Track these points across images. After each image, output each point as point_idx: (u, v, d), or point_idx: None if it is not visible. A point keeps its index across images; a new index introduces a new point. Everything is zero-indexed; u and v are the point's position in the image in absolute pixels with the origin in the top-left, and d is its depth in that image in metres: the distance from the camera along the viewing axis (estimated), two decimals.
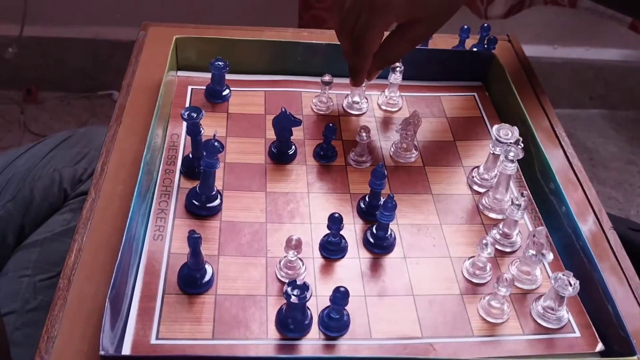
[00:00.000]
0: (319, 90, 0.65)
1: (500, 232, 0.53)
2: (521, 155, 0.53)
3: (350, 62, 0.58)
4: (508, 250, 0.53)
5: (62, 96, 1.59)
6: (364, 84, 0.62)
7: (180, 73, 0.67)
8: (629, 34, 1.53)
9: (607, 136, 1.77)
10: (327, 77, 0.62)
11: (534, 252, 0.48)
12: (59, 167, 0.83)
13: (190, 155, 0.56)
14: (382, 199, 0.52)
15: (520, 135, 0.55)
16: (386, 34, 0.57)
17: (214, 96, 0.64)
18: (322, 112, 0.64)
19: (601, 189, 1.60)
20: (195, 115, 0.53)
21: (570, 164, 0.63)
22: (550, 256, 0.48)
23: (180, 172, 0.56)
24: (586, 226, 0.56)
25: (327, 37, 0.72)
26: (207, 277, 0.47)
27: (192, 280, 0.46)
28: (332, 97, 0.65)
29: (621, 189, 1.63)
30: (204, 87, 0.65)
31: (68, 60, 1.58)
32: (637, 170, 1.69)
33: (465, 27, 0.72)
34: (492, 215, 0.56)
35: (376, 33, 0.54)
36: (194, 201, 0.52)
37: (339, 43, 0.64)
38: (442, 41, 0.75)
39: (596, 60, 1.73)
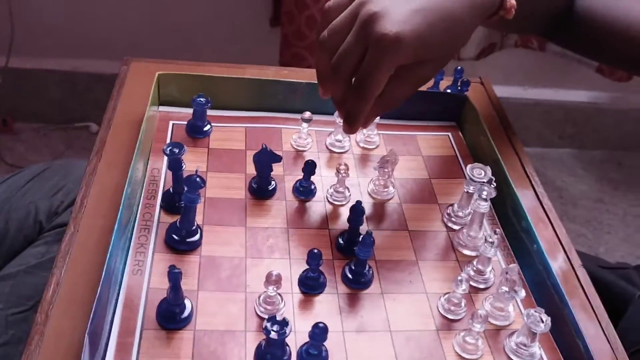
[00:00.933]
0: (299, 127, 0.67)
1: (474, 268, 0.54)
2: (494, 194, 0.55)
3: (347, 108, 0.52)
4: (482, 286, 0.54)
5: (39, 127, 1.58)
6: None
7: (161, 108, 0.68)
8: (596, 77, 1.60)
9: (577, 175, 1.82)
10: (307, 115, 0.64)
11: (507, 289, 0.49)
12: (35, 200, 0.83)
13: (171, 190, 0.56)
14: (361, 235, 0.53)
15: (492, 174, 0.57)
16: None
17: (196, 131, 0.65)
18: (301, 149, 0.66)
19: (571, 227, 1.64)
20: (177, 150, 0.53)
21: (541, 203, 0.65)
22: (522, 293, 0.49)
23: (161, 206, 0.56)
24: (557, 264, 0.58)
25: (307, 75, 0.74)
26: (186, 313, 0.47)
27: (171, 316, 0.46)
28: (311, 134, 0.67)
29: (590, 226, 1.68)
30: (185, 123, 0.66)
31: (46, 92, 1.58)
32: (605, 209, 1.74)
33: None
34: (466, 252, 0.57)
35: (383, 74, 0.49)
36: (173, 236, 0.53)
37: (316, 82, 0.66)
38: None
39: (565, 101, 1.79)
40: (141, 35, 1.50)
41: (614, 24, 0.67)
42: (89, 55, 1.54)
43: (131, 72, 0.74)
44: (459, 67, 0.75)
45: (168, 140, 0.64)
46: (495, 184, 0.55)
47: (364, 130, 0.68)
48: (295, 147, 0.66)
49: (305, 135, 0.66)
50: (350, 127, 0.52)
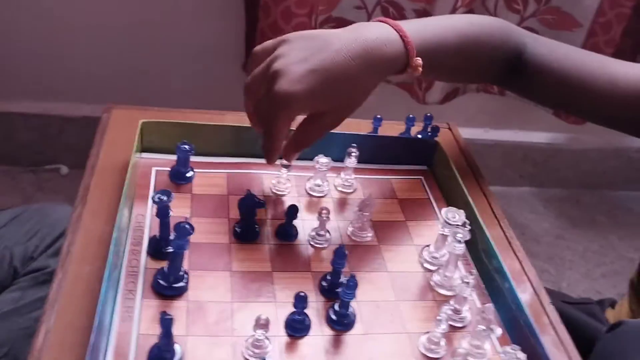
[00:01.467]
0: (278, 172, 0.69)
1: (452, 308, 0.57)
2: (468, 237, 0.58)
3: (262, 143, 0.60)
4: (459, 325, 0.56)
5: (7, 170, 1.56)
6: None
7: (143, 155, 0.70)
8: (553, 119, 1.68)
9: (538, 212, 1.89)
10: (285, 161, 0.66)
11: (483, 328, 0.52)
12: (10, 245, 0.82)
13: (157, 236, 0.58)
14: (343, 277, 0.55)
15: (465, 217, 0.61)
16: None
17: (179, 178, 0.67)
18: (280, 193, 0.68)
19: (534, 263, 1.68)
20: (165, 198, 0.55)
21: (510, 243, 0.68)
22: (498, 331, 0.52)
23: (147, 252, 0.57)
24: (527, 301, 0.61)
25: None
26: (176, 358, 0.48)
27: None
28: (290, 179, 0.69)
29: (552, 262, 1.73)
30: (168, 169, 0.67)
31: (16, 135, 1.57)
32: (566, 245, 1.80)
33: (411, 116, 0.79)
34: (443, 291, 0.60)
35: (281, 124, 0.57)
36: (161, 281, 0.54)
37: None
38: (391, 128, 0.81)
39: (525, 142, 1.87)
40: (114, 78, 1.51)
41: (565, 79, 0.71)
42: (59, 99, 1.54)
43: (113, 119, 0.76)
44: (429, 114, 0.79)
45: (152, 187, 0.65)
46: (469, 227, 0.59)
47: (342, 175, 0.71)
48: (275, 191, 0.68)
49: (284, 180, 0.68)
50: (267, 160, 0.61)
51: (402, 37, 0.60)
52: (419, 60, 0.61)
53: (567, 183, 1.96)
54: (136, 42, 1.50)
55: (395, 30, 0.61)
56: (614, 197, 1.97)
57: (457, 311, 0.57)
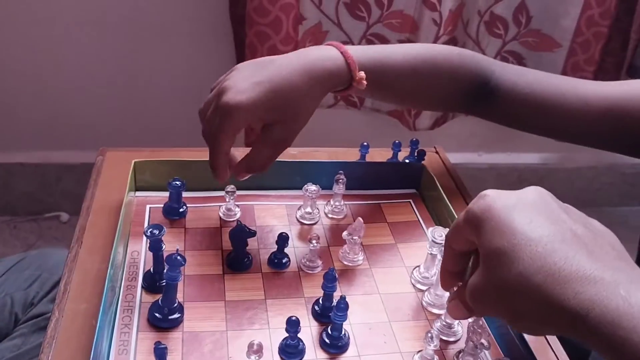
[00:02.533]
0: (269, 203, 0.71)
1: (444, 322, 0.58)
2: None
3: (209, 159, 0.61)
4: (452, 339, 0.57)
5: (8, 220, 1.58)
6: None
7: (137, 193, 0.72)
8: (543, 139, 1.70)
9: None
10: (229, 188, 0.67)
11: (474, 343, 0.53)
12: (10, 292, 0.83)
13: (152, 270, 0.59)
14: (335, 301, 0.56)
15: None
16: None
17: (172, 213, 0.68)
18: (229, 220, 0.68)
19: None
20: (157, 232, 0.56)
21: None
22: (488, 345, 0.52)
23: (142, 287, 0.59)
24: None
25: None
26: None
27: None
28: (238, 206, 0.70)
29: None
30: (161, 206, 0.69)
31: (15, 185, 1.59)
32: None
33: (397, 141, 0.81)
34: (435, 310, 0.61)
35: (225, 134, 0.58)
36: (156, 314, 0.55)
37: (286, 160, 0.71)
38: (378, 154, 0.84)
39: (518, 163, 1.89)
40: (109, 124, 1.54)
41: (537, 101, 0.73)
42: (57, 147, 1.57)
43: (107, 161, 0.78)
44: (414, 139, 0.82)
45: (146, 224, 0.67)
46: None
47: (331, 202, 0.72)
48: (224, 218, 0.69)
49: (233, 207, 0.69)
50: (214, 176, 0.62)
51: (343, 52, 0.64)
52: (362, 74, 0.64)
53: (563, 202, 1.97)
54: (129, 88, 1.54)
55: (337, 48, 0.64)
56: (610, 213, 1.98)
57: (449, 326, 0.57)
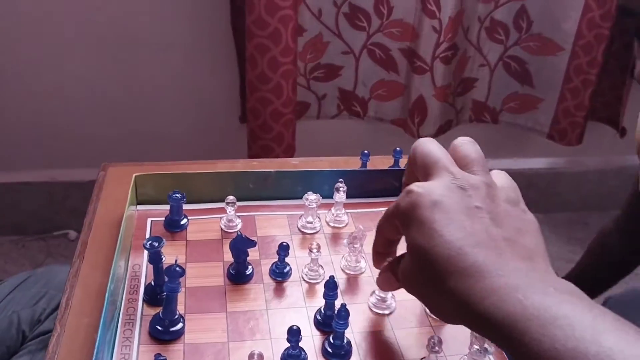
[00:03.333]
0: (271, 213, 0.71)
1: (377, 297, 0.60)
2: None
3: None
4: (386, 312, 0.60)
5: (17, 239, 1.59)
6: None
7: (139, 207, 0.72)
8: (549, 143, 1.69)
9: (546, 239, 1.87)
10: (230, 198, 0.67)
11: (478, 347, 0.52)
12: (18, 309, 0.83)
13: (152, 283, 0.59)
14: (336, 309, 0.55)
15: None
16: None
17: (173, 226, 0.68)
18: (230, 231, 0.68)
19: None
20: (156, 244, 0.56)
21: None
22: (492, 349, 0.52)
23: (143, 300, 0.59)
24: None
25: (275, 164, 0.79)
26: None
27: None
28: (239, 217, 0.70)
29: None
30: (163, 219, 0.69)
31: (23, 204, 1.61)
32: None
33: (398, 149, 0.81)
34: None
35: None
36: (157, 326, 0.55)
37: (287, 170, 0.71)
38: (380, 162, 0.83)
39: (525, 169, 1.88)
40: (113, 141, 1.55)
41: None
42: (63, 165, 1.58)
43: (109, 176, 0.78)
44: None
45: (147, 237, 0.67)
46: None
47: (332, 211, 0.72)
48: (225, 229, 0.69)
49: (234, 218, 0.69)
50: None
51: None
52: None
53: (572, 206, 1.95)
54: (133, 106, 1.55)
55: None
56: None
57: (382, 300, 0.60)
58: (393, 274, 0.51)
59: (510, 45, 1.58)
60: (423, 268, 0.43)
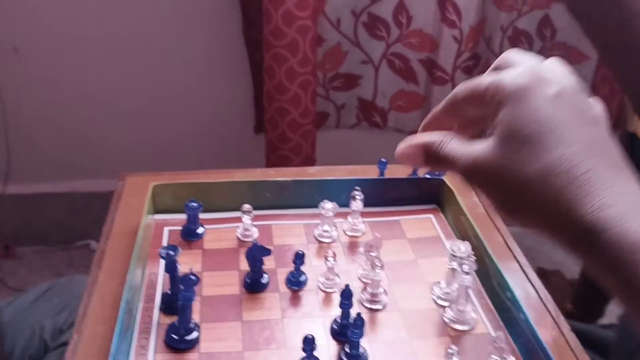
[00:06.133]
0: (288, 222, 0.70)
1: (369, 293, 0.60)
2: (475, 267, 0.58)
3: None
4: (379, 307, 0.60)
5: (40, 250, 1.62)
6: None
7: (156, 216, 0.72)
8: None
9: None
10: (246, 207, 0.67)
11: (497, 358, 0.51)
12: (40, 319, 0.84)
13: (169, 292, 0.59)
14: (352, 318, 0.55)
15: (474, 249, 0.60)
16: None
17: (190, 235, 0.68)
18: (246, 240, 0.68)
19: None
20: (172, 253, 0.57)
21: (526, 274, 0.67)
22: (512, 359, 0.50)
23: (160, 309, 0.59)
24: (546, 330, 0.59)
25: (292, 173, 0.79)
26: None
27: None
28: (255, 226, 0.70)
29: None
30: (180, 227, 0.69)
31: (46, 214, 1.63)
32: None
33: None
34: (458, 326, 0.59)
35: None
36: (173, 335, 0.55)
37: (304, 179, 0.71)
38: (398, 170, 0.82)
39: None
40: (133, 151, 1.57)
41: None
42: (85, 176, 1.60)
43: (127, 186, 0.79)
44: None
45: (163, 246, 0.67)
46: (474, 257, 0.58)
47: (349, 219, 0.71)
48: (242, 238, 0.69)
49: (250, 227, 0.69)
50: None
51: None
52: None
53: None
54: (152, 118, 1.57)
55: None
56: None
57: (373, 295, 0.60)
58: (426, 154, 0.41)
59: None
60: (519, 161, 0.36)
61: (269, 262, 0.64)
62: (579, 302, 1.42)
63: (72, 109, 1.53)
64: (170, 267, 0.57)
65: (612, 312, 1.59)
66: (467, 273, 0.57)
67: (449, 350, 0.51)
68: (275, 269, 0.65)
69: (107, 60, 1.49)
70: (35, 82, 1.48)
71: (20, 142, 1.51)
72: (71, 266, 1.58)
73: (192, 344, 0.55)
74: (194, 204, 0.67)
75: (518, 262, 0.69)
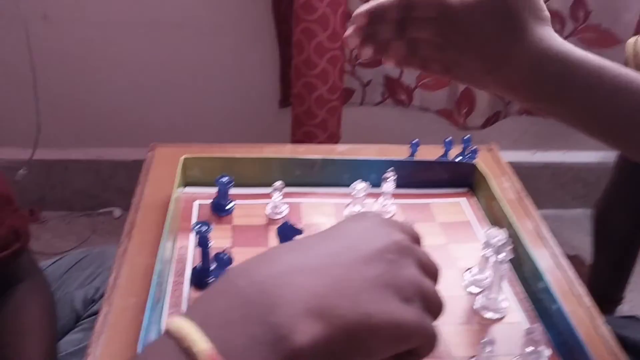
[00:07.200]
0: (316, 200, 0.70)
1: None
2: (511, 256, 0.56)
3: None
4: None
5: (64, 215, 1.63)
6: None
7: (186, 189, 0.72)
8: None
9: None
10: (278, 184, 0.66)
11: (532, 349, 0.50)
12: (72, 290, 0.84)
13: (199, 267, 0.59)
14: None
15: (508, 237, 0.59)
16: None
17: (220, 209, 0.68)
18: (277, 217, 0.68)
19: None
20: (205, 228, 0.56)
21: (558, 262, 0.66)
22: (547, 352, 0.50)
23: (190, 283, 0.58)
24: (579, 322, 0.58)
25: (321, 151, 0.78)
26: None
27: None
28: (285, 203, 0.69)
29: None
30: (210, 202, 0.69)
31: (71, 181, 1.64)
32: None
33: (449, 139, 0.78)
34: (489, 315, 0.58)
35: None
36: None
37: (333, 158, 0.70)
38: (429, 152, 0.81)
39: (574, 162, 1.82)
40: (159, 122, 1.57)
41: None
42: (110, 144, 1.61)
43: (156, 157, 0.79)
44: (467, 136, 0.79)
45: (194, 220, 0.67)
46: (512, 246, 0.57)
47: (380, 200, 0.71)
48: (271, 216, 0.68)
49: (280, 204, 0.69)
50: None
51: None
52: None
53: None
54: (178, 89, 1.57)
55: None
56: None
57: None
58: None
59: (566, 36, 1.51)
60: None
61: None
62: (596, 287, 1.39)
63: (100, 77, 1.53)
64: (202, 243, 0.57)
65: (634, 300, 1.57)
66: (502, 262, 0.56)
67: (483, 340, 0.50)
68: None
69: (136, 31, 1.48)
70: (65, 50, 1.48)
71: (49, 109, 1.51)
72: (94, 232, 1.60)
73: None
74: (225, 179, 0.67)
75: (551, 250, 0.68)
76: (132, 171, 0.77)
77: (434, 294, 0.35)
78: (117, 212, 1.64)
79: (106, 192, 1.65)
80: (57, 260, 0.90)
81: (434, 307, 0.35)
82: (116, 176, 1.62)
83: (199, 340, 0.28)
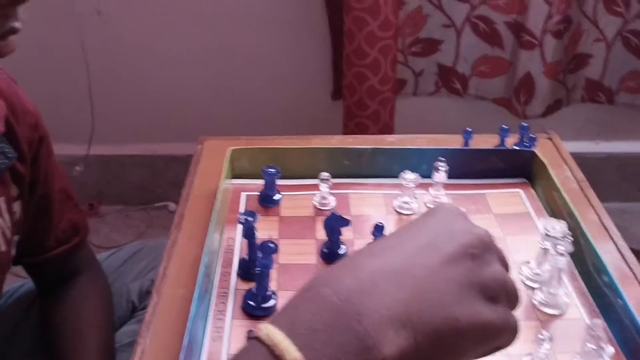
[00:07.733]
0: (366, 192, 0.68)
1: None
2: (571, 249, 0.53)
3: None
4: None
5: (121, 209, 1.68)
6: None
7: (234, 181, 0.72)
8: None
9: None
10: (324, 175, 0.65)
11: (593, 347, 0.47)
12: (128, 281, 0.86)
13: (246, 258, 0.58)
14: None
15: (568, 229, 0.56)
16: None
17: (267, 201, 0.68)
18: (323, 208, 0.67)
19: None
20: (251, 219, 0.56)
21: (623, 257, 0.62)
22: (610, 349, 0.46)
23: (237, 274, 0.58)
24: None
25: (371, 141, 0.76)
26: None
27: None
28: (332, 194, 0.68)
29: None
30: (257, 193, 0.69)
31: (127, 175, 1.69)
32: None
33: (505, 127, 0.75)
34: (548, 310, 0.55)
35: None
36: (250, 302, 0.54)
37: (383, 147, 0.68)
38: (483, 141, 0.78)
39: None
40: (212, 116, 1.59)
41: None
42: (165, 139, 1.64)
43: (206, 149, 0.79)
44: (525, 124, 0.75)
45: (242, 211, 0.67)
46: (572, 238, 0.54)
47: (431, 190, 0.68)
48: (319, 207, 0.67)
49: (327, 195, 0.67)
50: None
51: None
52: None
53: None
54: (229, 82, 1.58)
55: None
56: None
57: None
58: None
59: (631, 18, 1.43)
60: None
61: (346, 233, 0.62)
62: None
63: (152, 72, 1.56)
64: (249, 233, 0.56)
65: None
66: (561, 254, 0.53)
67: (540, 336, 0.47)
68: (353, 240, 0.63)
69: (188, 25, 1.50)
70: (118, 46, 1.52)
71: (103, 105, 1.56)
72: (150, 226, 1.63)
73: (269, 312, 0.54)
74: (272, 170, 0.66)
75: (615, 243, 0.64)
76: (186, 165, 0.78)
77: (515, 288, 0.35)
78: (172, 206, 1.67)
79: (161, 187, 1.68)
80: (113, 253, 0.91)
81: (514, 299, 0.35)
82: (171, 170, 1.65)
83: (289, 349, 0.28)
